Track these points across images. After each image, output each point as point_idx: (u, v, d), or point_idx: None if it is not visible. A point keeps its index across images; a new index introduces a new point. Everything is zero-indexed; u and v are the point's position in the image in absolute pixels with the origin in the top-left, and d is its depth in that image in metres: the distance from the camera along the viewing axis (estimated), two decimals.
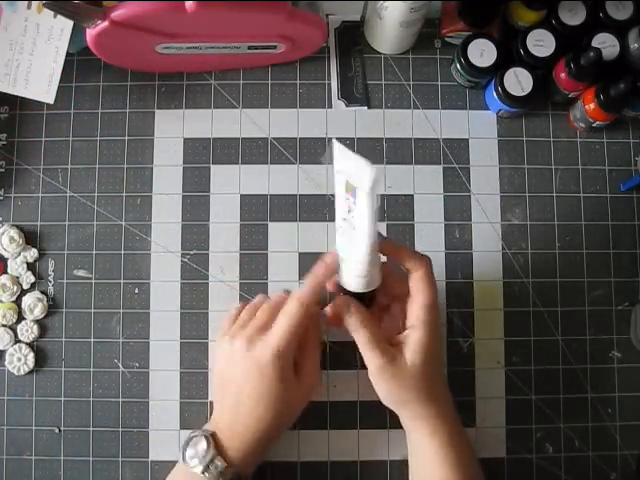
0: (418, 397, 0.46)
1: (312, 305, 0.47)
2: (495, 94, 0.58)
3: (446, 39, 0.61)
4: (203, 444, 0.46)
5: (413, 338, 0.46)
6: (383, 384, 0.46)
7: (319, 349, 0.50)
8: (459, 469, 0.47)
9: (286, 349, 0.46)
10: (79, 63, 0.60)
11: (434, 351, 0.47)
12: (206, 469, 0.45)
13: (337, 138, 0.59)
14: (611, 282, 0.59)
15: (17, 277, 0.57)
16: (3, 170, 0.59)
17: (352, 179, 0.42)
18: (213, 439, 0.46)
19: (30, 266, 0.58)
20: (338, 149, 0.42)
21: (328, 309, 0.47)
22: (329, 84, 0.61)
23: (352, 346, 0.57)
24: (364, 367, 0.56)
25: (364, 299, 0.48)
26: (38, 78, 0.54)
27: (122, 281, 0.58)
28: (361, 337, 0.46)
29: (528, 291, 0.58)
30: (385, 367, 0.45)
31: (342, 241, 0.46)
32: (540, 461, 0.57)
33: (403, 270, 0.48)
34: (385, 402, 0.48)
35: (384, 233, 0.59)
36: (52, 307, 0.57)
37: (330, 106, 0.61)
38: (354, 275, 0.46)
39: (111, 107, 0.60)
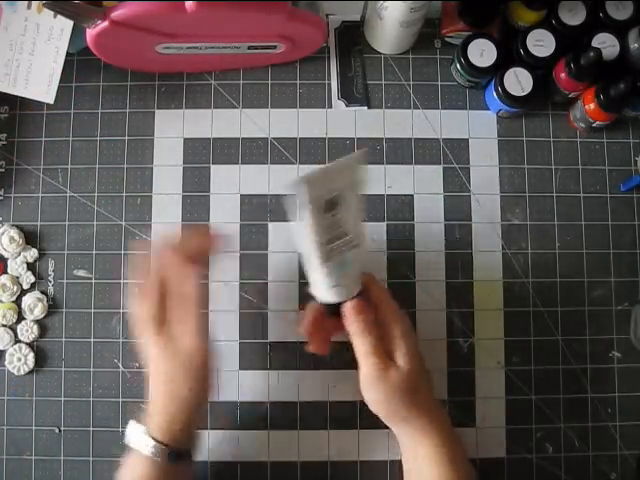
0: (409, 405, 0.46)
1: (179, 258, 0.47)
2: (495, 94, 0.58)
3: (446, 39, 0.61)
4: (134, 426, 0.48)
5: (402, 347, 0.46)
6: (376, 392, 0.46)
7: (192, 308, 0.47)
8: (452, 468, 0.47)
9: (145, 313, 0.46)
10: (79, 63, 0.60)
11: (421, 360, 0.47)
12: (133, 443, 0.46)
13: (337, 138, 0.60)
14: (611, 282, 0.59)
15: (17, 277, 0.57)
16: (3, 170, 0.59)
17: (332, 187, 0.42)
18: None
19: (30, 266, 0.58)
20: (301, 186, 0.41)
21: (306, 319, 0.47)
22: (329, 84, 0.61)
23: (352, 346, 0.57)
24: None
25: (337, 311, 0.47)
26: (38, 78, 0.54)
27: (122, 281, 0.58)
28: (361, 344, 0.46)
29: (528, 291, 0.58)
30: (379, 374, 0.45)
31: (337, 260, 0.45)
32: (540, 461, 0.57)
33: None
34: (376, 410, 0.48)
35: (384, 233, 0.59)
36: (52, 307, 0.57)
37: (330, 106, 0.61)
38: (326, 286, 0.45)
39: (111, 107, 0.60)
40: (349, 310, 0.46)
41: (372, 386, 0.46)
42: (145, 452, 0.45)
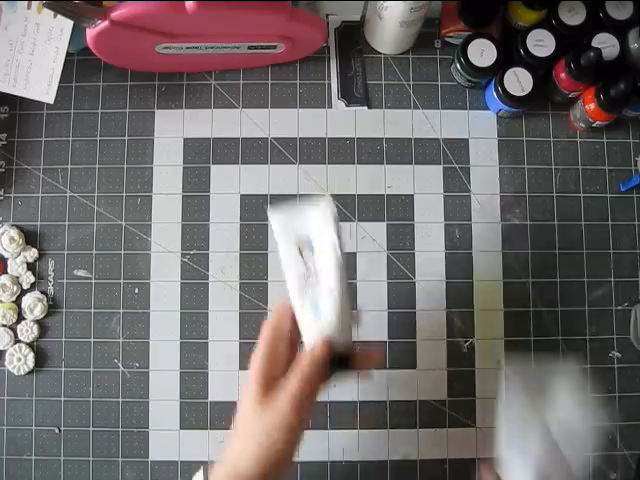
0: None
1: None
2: (495, 94, 0.58)
3: (446, 39, 0.61)
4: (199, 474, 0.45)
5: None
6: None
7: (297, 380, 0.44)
8: None
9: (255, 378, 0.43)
10: (79, 63, 0.60)
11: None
12: None
13: (337, 138, 0.60)
14: (611, 282, 0.59)
15: (17, 277, 0.57)
16: (3, 170, 0.59)
17: (303, 233, 0.42)
18: (206, 471, 0.44)
19: (30, 266, 0.58)
20: (277, 218, 0.43)
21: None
22: (329, 84, 0.61)
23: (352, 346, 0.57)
24: None
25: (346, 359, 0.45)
26: (38, 78, 0.54)
27: (122, 281, 0.58)
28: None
29: (528, 291, 0.58)
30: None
31: (307, 304, 0.44)
32: None
33: None
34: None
35: (384, 233, 0.59)
36: (52, 307, 0.57)
37: (330, 106, 0.61)
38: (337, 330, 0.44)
39: (111, 107, 0.60)
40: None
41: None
42: None
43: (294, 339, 0.47)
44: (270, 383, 0.44)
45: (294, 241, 0.44)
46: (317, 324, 0.44)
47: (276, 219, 0.44)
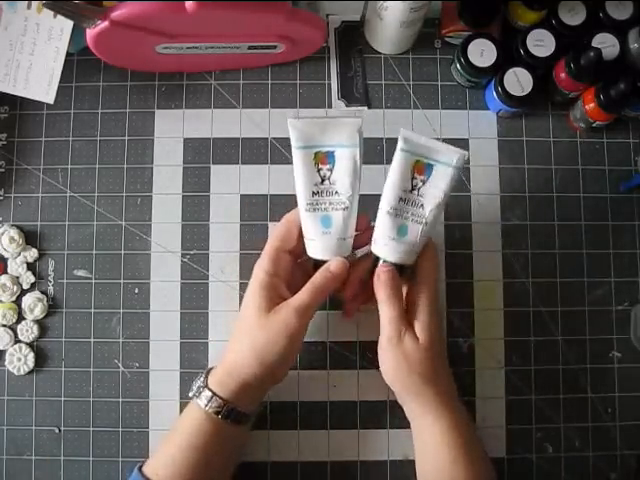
0: (423, 375, 0.47)
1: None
2: (495, 94, 0.58)
3: (446, 39, 0.61)
4: (199, 378, 0.49)
5: (422, 319, 0.47)
6: (388, 358, 0.47)
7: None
8: (464, 450, 0.48)
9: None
10: (79, 63, 0.60)
11: (439, 332, 0.49)
12: (197, 397, 0.48)
13: None
14: (611, 282, 0.59)
15: (17, 277, 0.57)
16: (3, 170, 0.59)
17: (325, 143, 0.46)
18: (207, 374, 0.49)
19: (30, 266, 0.58)
20: (295, 125, 0.46)
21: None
22: (329, 84, 0.61)
23: (352, 346, 0.57)
24: (364, 367, 0.56)
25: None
26: (38, 78, 0.54)
27: (122, 281, 0.58)
28: (386, 310, 0.47)
29: (528, 291, 0.58)
30: (395, 341, 0.46)
31: (318, 215, 0.47)
32: (540, 461, 0.57)
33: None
34: (391, 381, 0.49)
35: None
36: (52, 307, 0.57)
37: (330, 106, 0.61)
38: (305, 237, 0.48)
39: (111, 107, 0.60)
40: (381, 274, 0.47)
41: (386, 352, 0.47)
42: (200, 403, 0.47)
43: (298, 252, 0.50)
44: (273, 294, 0.48)
45: (311, 149, 0.46)
46: (327, 238, 0.47)
47: (294, 126, 0.46)
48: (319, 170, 0.46)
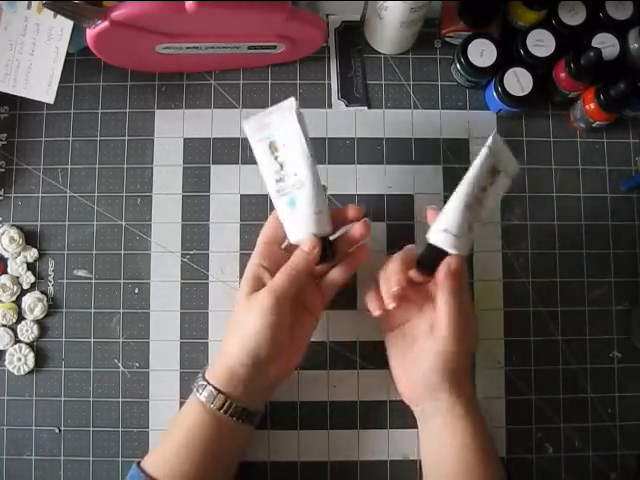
0: (460, 371, 0.48)
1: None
2: (495, 94, 0.58)
3: (446, 39, 0.61)
4: (199, 377, 0.50)
5: (441, 315, 0.47)
6: (429, 356, 0.48)
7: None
8: (488, 450, 0.49)
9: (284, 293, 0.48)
10: (79, 63, 0.60)
11: (469, 330, 0.49)
12: (194, 388, 0.49)
13: (337, 138, 0.60)
14: (611, 282, 0.59)
15: (17, 277, 0.57)
16: (3, 170, 0.59)
17: (271, 132, 0.49)
18: (204, 373, 0.50)
19: (30, 266, 0.58)
20: (247, 124, 0.49)
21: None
22: (329, 84, 0.61)
23: (352, 346, 0.57)
24: (364, 367, 0.56)
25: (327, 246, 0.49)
26: (38, 78, 0.54)
27: (122, 281, 0.58)
28: (452, 302, 0.47)
29: (528, 291, 0.58)
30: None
31: (285, 200, 0.48)
32: (540, 461, 0.57)
33: None
34: (422, 378, 0.49)
35: (384, 233, 0.59)
36: (52, 307, 0.57)
37: (330, 106, 0.61)
38: (310, 213, 0.48)
39: (111, 107, 0.60)
40: (453, 263, 0.47)
41: (430, 349, 0.48)
42: (200, 397, 0.47)
43: (292, 248, 0.51)
44: (259, 283, 0.49)
45: (265, 140, 0.49)
46: (294, 216, 0.49)
47: (247, 125, 0.49)
48: (276, 158, 0.49)
